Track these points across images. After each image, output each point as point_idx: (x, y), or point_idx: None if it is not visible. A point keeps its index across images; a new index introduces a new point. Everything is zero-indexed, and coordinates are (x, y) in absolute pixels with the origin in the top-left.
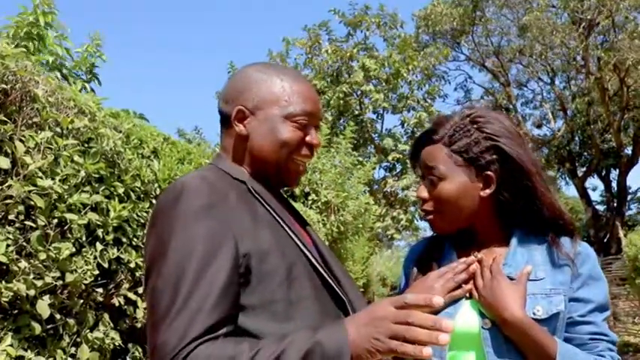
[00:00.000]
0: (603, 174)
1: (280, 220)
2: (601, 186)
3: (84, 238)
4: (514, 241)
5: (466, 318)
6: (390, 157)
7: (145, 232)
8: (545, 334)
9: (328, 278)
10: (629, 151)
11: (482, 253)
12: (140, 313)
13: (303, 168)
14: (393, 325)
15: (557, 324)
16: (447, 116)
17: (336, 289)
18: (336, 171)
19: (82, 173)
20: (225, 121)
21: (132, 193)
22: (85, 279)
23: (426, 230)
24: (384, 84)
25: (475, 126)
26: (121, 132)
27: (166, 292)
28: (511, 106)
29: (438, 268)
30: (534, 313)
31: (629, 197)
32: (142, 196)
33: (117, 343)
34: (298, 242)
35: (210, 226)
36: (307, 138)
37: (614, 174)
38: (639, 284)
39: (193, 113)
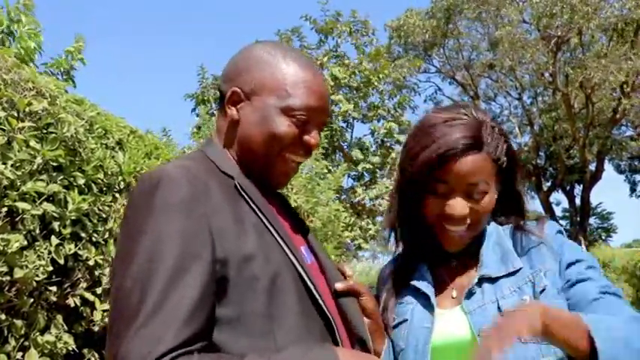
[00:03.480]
0: (568, 189)
1: (267, 223)
2: (564, 201)
3: (37, 231)
4: (486, 238)
5: (454, 325)
6: (359, 167)
7: (106, 227)
8: (567, 312)
9: (315, 292)
10: (593, 167)
11: (459, 260)
12: (98, 316)
13: (294, 169)
14: None
15: (547, 302)
16: (474, 115)
17: (322, 305)
18: (307, 176)
19: (39, 160)
20: (222, 101)
21: (93, 185)
22: (37, 275)
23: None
24: (354, 92)
25: (497, 127)
26: (84, 119)
27: (134, 295)
28: None
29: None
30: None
31: (591, 212)
32: (104, 188)
33: (71, 348)
34: (286, 249)
35: (187, 224)
36: (305, 137)
37: (578, 189)
38: None
39: (162, 115)
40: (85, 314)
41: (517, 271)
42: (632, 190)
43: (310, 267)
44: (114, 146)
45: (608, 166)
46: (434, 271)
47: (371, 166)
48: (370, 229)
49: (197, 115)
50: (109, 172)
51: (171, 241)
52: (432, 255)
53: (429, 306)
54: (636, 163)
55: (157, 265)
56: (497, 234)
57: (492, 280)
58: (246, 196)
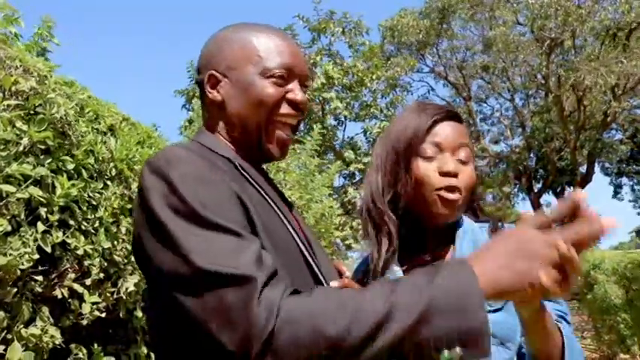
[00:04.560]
0: (558, 191)
1: (270, 201)
2: (555, 202)
3: (22, 216)
4: (460, 234)
5: None
6: (351, 167)
7: (96, 216)
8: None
9: (318, 271)
10: (583, 169)
11: (431, 255)
12: (87, 309)
13: (288, 135)
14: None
15: (512, 308)
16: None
17: (323, 280)
18: (301, 172)
19: (25, 141)
20: (202, 92)
21: (83, 171)
22: (22, 264)
23: None
24: (347, 92)
25: None
26: (74, 102)
27: (188, 236)
28: (471, 121)
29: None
30: (490, 305)
31: None
32: (94, 175)
33: (57, 342)
34: (289, 227)
35: (216, 188)
36: (288, 95)
37: (568, 191)
38: (590, 299)
39: (150, 113)
40: (73, 307)
41: None
42: (616, 192)
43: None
44: (105, 131)
45: (596, 169)
46: (406, 260)
47: (363, 167)
48: (360, 228)
49: (188, 110)
50: (100, 158)
51: (205, 198)
52: (405, 247)
53: None
54: (624, 167)
55: (198, 213)
56: (472, 231)
57: None
58: (248, 176)
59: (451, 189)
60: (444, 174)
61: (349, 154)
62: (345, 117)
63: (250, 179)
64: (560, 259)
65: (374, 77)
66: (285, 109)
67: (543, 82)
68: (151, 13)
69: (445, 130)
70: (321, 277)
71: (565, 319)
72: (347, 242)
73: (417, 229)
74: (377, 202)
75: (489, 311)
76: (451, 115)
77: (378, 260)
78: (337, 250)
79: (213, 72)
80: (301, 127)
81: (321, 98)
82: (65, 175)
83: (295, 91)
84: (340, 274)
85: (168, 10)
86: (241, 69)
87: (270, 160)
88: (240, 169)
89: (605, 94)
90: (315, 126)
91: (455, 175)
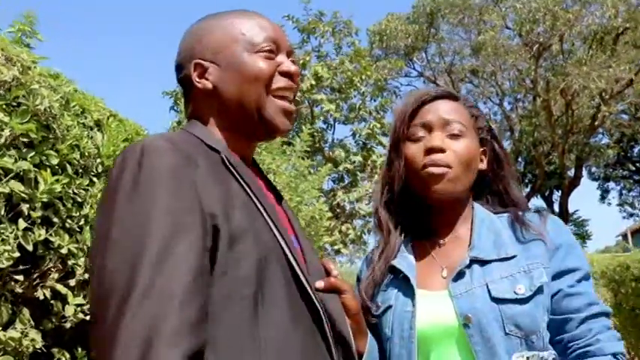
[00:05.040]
0: (546, 194)
1: (256, 200)
2: (543, 206)
3: (3, 212)
4: (477, 221)
5: (440, 310)
6: (340, 168)
7: (82, 213)
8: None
9: (305, 282)
10: (571, 173)
11: (448, 238)
12: (70, 311)
13: (290, 103)
14: None
15: (542, 299)
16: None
17: (312, 297)
18: (290, 174)
19: (7, 132)
20: (187, 88)
21: (68, 166)
22: (1, 262)
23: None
24: (336, 94)
25: (477, 109)
26: (59, 95)
27: (123, 274)
28: None
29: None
30: (516, 293)
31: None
32: (80, 170)
33: (38, 346)
34: (276, 231)
35: (176, 194)
36: (280, 67)
37: (556, 195)
38: None
39: (138, 112)
40: (55, 309)
41: (510, 258)
42: (603, 197)
43: (297, 252)
44: (92, 126)
45: (583, 172)
46: (419, 247)
47: (351, 167)
48: (350, 233)
49: (177, 112)
50: (86, 154)
51: (159, 213)
52: (417, 231)
53: (410, 289)
54: (610, 171)
55: (145, 239)
56: (489, 221)
57: (483, 263)
58: (234, 171)
59: (434, 163)
60: (427, 151)
61: (339, 153)
62: (335, 119)
63: (237, 175)
64: None
65: (363, 77)
66: (280, 82)
67: (532, 86)
68: (141, 14)
69: (432, 109)
70: (303, 279)
71: (598, 314)
72: (336, 247)
73: (421, 211)
74: (377, 200)
75: (516, 301)
76: (441, 95)
77: (386, 248)
78: (326, 255)
79: (199, 60)
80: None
81: (310, 100)
82: (49, 170)
83: (286, 63)
84: (328, 273)
85: (158, 11)
86: (228, 50)
87: (276, 135)
88: (227, 163)
89: (594, 98)
90: (304, 127)
91: (440, 150)
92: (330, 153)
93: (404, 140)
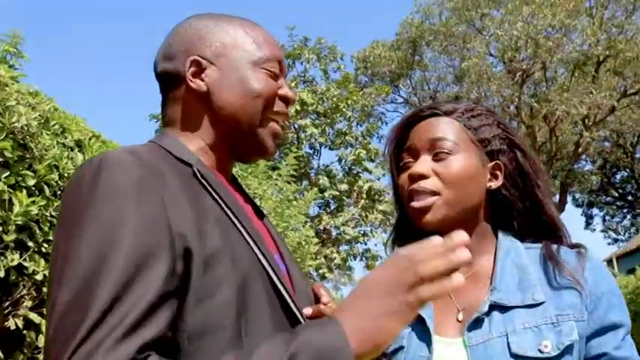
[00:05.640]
0: None
1: (233, 216)
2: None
3: None
4: (501, 254)
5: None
6: (326, 194)
7: None
8: None
9: (292, 306)
10: (556, 199)
11: (466, 275)
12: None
13: (280, 129)
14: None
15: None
16: (451, 101)
17: (300, 317)
18: (277, 199)
19: None
20: (171, 84)
21: (46, 188)
22: None
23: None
24: (322, 118)
25: (488, 113)
26: (38, 113)
27: (75, 308)
28: None
29: None
30: (541, 351)
31: None
32: (58, 192)
33: None
34: (255, 248)
35: (139, 214)
36: (280, 90)
37: None
38: None
39: (124, 135)
40: (28, 339)
41: (537, 305)
42: (588, 223)
43: (283, 274)
44: (72, 146)
45: (567, 199)
46: None
47: (337, 194)
48: (335, 257)
49: None
50: (65, 175)
51: (119, 237)
52: None
53: (426, 331)
54: (594, 197)
55: (103, 269)
56: (516, 252)
57: (504, 309)
58: (207, 185)
59: (417, 193)
60: (410, 179)
61: (324, 181)
62: (321, 144)
63: (211, 190)
64: (425, 274)
65: (349, 102)
66: (278, 105)
67: (516, 112)
68: (132, 38)
69: (418, 131)
70: (288, 298)
71: None
72: (321, 271)
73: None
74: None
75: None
76: (429, 114)
77: None
78: (311, 280)
79: (197, 57)
80: (275, 154)
81: (296, 125)
82: (25, 192)
83: (285, 88)
84: (317, 299)
85: (148, 36)
86: (234, 55)
87: (262, 156)
88: (199, 176)
89: (576, 124)
90: (290, 151)
91: (421, 177)
92: (316, 179)
93: (396, 170)
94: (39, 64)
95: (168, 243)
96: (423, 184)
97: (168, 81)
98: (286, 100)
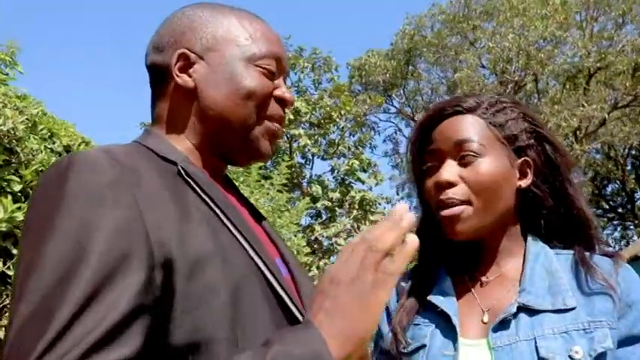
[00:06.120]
0: None
1: (223, 215)
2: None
3: None
4: (530, 257)
5: None
6: (318, 204)
7: None
8: None
9: (294, 309)
10: None
11: (491, 275)
12: None
13: (277, 131)
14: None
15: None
16: (474, 95)
17: (295, 307)
18: (269, 208)
19: None
20: (159, 78)
21: (32, 193)
22: None
23: None
24: (315, 128)
25: (513, 105)
26: (25, 116)
27: (34, 324)
28: None
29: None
30: (571, 357)
31: None
32: None
33: None
34: (249, 248)
35: (110, 217)
36: (277, 91)
37: None
38: None
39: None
40: None
41: (568, 310)
42: None
43: (286, 280)
44: (61, 152)
45: None
46: (458, 281)
47: (330, 203)
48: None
49: None
50: None
51: (88, 244)
52: (457, 268)
53: (450, 329)
54: None
55: (68, 280)
56: (546, 257)
57: (533, 312)
58: (192, 183)
59: (445, 204)
60: (437, 187)
61: (317, 189)
62: (313, 154)
63: (198, 188)
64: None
65: (342, 112)
66: (272, 108)
67: None
68: (125, 48)
69: (439, 135)
70: (290, 304)
71: None
72: (314, 283)
73: (455, 248)
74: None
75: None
76: (449, 113)
77: (421, 278)
78: None
79: (185, 51)
80: (268, 163)
81: (289, 135)
82: (10, 197)
83: (283, 88)
84: None
85: (140, 45)
86: (225, 50)
87: (256, 160)
88: (184, 174)
89: (567, 136)
90: (282, 160)
91: (448, 186)
92: (309, 189)
93: (421, 174)
94: (28, 67)
95: (145, 251)
96: (451, 193)
97: (157, 75)
98: (283, 102)
